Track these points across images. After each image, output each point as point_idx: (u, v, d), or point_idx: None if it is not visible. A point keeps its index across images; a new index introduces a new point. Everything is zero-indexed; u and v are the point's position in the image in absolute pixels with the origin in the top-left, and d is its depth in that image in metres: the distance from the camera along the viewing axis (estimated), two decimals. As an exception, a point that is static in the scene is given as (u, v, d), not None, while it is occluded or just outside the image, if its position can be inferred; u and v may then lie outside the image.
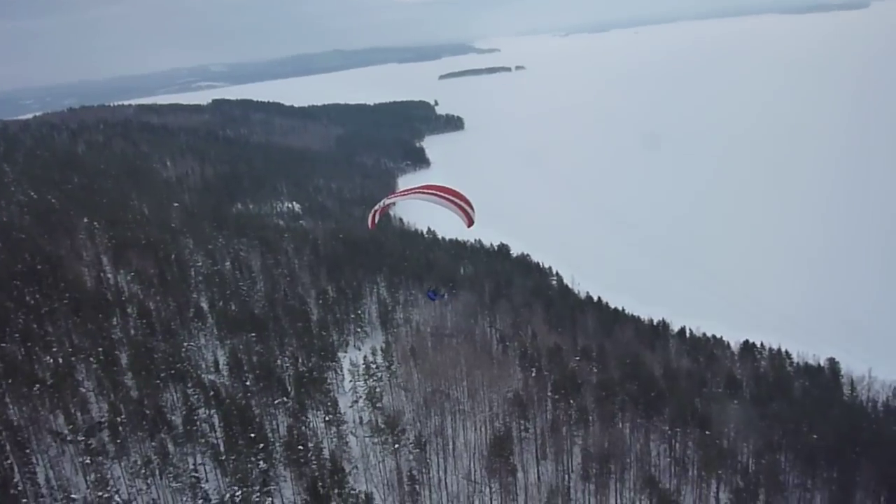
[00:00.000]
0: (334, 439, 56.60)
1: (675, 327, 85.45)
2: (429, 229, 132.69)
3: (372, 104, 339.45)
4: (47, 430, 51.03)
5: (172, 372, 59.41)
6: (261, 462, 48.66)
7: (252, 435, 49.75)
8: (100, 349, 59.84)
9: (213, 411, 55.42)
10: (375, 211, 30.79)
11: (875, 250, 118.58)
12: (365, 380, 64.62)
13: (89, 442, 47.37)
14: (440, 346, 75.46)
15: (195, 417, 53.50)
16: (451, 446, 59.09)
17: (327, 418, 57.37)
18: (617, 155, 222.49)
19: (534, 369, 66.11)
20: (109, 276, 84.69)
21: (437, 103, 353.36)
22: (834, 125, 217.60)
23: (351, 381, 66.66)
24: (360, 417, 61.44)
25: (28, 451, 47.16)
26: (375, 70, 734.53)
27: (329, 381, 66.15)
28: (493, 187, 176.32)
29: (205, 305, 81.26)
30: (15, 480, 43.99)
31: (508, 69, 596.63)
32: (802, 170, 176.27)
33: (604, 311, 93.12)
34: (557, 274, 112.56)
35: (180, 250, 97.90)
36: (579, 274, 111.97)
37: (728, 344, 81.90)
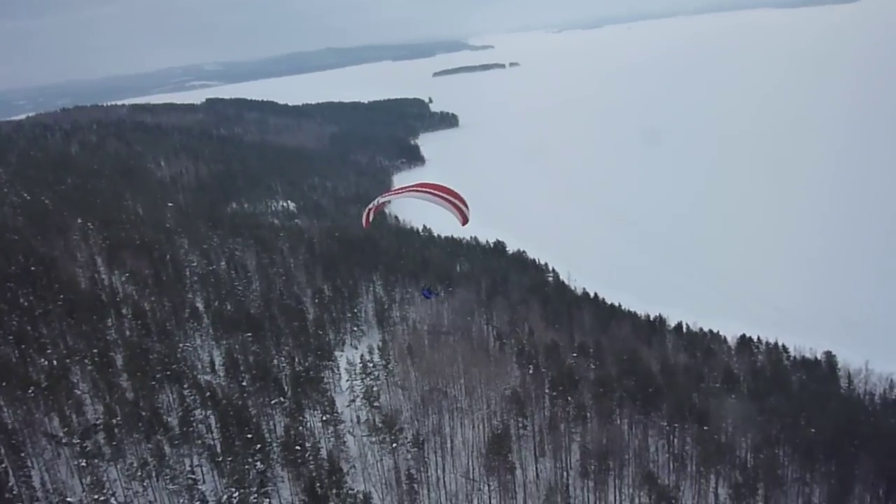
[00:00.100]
0: (332, 439, 56.42)
1: (673, 323, 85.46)
2: (424, 227, 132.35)
3: (366, 102, 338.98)
4: (42, 432, 50.62)
5: (168, 373, 59.10)
6: (258, 463, 48.54)
7: (249, 435, 49.66)
8: (95, 351, 59.59)
9: (209, 412, 55.21)
10: (370, 210, 30.60)
11: (871, 243, 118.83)
12: (362, 379, 64.65)
13: (85, 444, 46.97)
14: (437, 344, 75.10)
15: (191, 418, 53.22)
16: (449, 444, 58.96)
17: (324, 418, 57.20)
18: (614, 151, 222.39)
19: (531, 366, 65.90)
20: (104, 276, 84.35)
21: (431, 101, 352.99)
22: (830, 120, 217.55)
23: (348, 380, 66.60)
24: (358, 417, 61.27)
25: (23, 454, 46.86)
26: (369, 68, 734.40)
27: (326, 380, 66.28)
28: (488, 184, 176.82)
29: (200, 306, 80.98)
30: (10, 484, 43.81)
31: (502, 66, 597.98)
32: (799, 164, 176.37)
33: (600, 307, 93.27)
34: (554, 270, 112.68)
35: (175, 250, 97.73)
36: (576, 271, 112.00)
37: (725, 338, 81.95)
